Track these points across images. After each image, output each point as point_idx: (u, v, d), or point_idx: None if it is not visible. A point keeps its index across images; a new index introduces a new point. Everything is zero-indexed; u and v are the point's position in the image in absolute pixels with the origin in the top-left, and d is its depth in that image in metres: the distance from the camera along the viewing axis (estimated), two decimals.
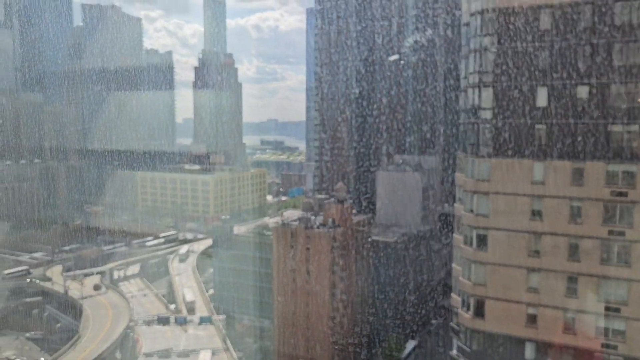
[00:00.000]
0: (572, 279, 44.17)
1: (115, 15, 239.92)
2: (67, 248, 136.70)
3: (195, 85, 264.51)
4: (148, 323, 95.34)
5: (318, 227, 77.91)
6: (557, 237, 44.56)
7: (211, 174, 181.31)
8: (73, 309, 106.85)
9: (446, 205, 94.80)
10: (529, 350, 46.40)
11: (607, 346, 43.13)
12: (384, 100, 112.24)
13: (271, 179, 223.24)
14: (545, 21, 44.05)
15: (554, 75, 44.11)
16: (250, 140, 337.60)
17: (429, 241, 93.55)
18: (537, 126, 45.07)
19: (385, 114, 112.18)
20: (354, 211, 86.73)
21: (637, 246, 41.93)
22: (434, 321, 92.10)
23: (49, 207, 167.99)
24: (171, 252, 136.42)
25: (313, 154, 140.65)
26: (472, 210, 48.26)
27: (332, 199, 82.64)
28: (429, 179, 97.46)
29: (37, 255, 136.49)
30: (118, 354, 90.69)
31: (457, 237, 51.76)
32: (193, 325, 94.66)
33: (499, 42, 45.74)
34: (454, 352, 51.99)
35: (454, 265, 53.57)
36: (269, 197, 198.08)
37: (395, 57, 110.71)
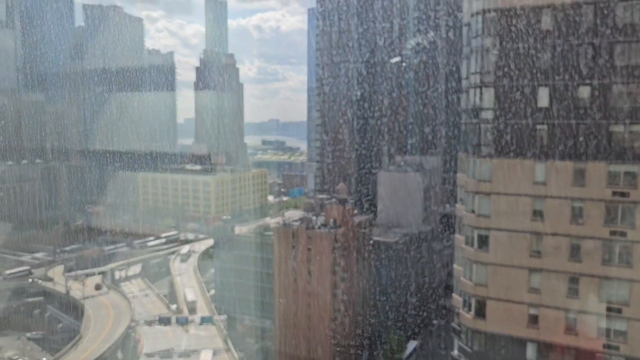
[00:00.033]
0: (574, 279, 44.12)
1: (117, 16, 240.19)
2: (68, 248, 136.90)
3: (196, 86, 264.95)
4: (149, 323, 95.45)
5: (319, 228, 77.97)
6: (558, 237, 44.52)
7: (212, 175, 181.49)
8: (74, 309, 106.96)
9: (447, 205, 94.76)
10: (531, 351, 46.35)
11: (609, 347, 43.08)
12: (386, 101, 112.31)
13: (272, 180, 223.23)
14: (546, 21, 44.02)
15: (556, 75, 44.08)
16: (251, 140, 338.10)
17: (430, 242, 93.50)
18: (538, 126, 45.04)
19: (387, 116, 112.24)
20: (355, 212, 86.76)
21: (638, 247, 41.86)
22: (435, 321, 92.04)
23: (51, 208, 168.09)
24: (172, 253, 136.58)
25: (314, 154, 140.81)
26: (473, 211, 48.25)
27: (334, 200, 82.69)
28: (431, 179, 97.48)
29: (38, 255, 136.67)
30: (119, 354, 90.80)
31: (459, 238, 51.73)
32: (194, 325, 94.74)
33: (500, 42, 45.73)
34: (455, 352, 51.95)
35: (455, 265, 53.55)
36: (270, 198, 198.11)
37: (397, 59, 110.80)
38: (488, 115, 47.08)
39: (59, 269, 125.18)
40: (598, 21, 42.30)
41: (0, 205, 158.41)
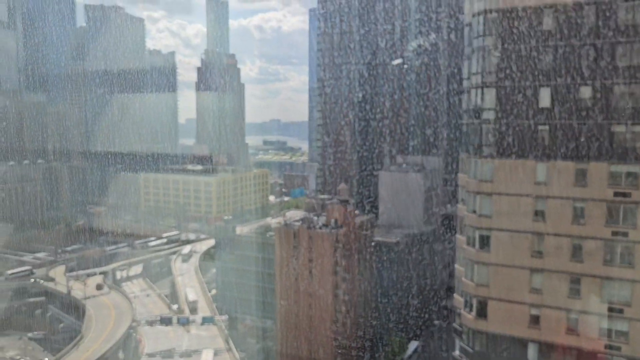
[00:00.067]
0: (575, 279, 44.11)
1: (119, 17, 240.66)
2: (70, 248, 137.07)
3: (198, 86, 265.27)
4: (151, 323, 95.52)
5: (320, 228, 77.99)
6: (560, 237, 44.53)
7: (214, 175, 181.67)
8: (76, 309, 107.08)
9: (449, 206, 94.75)
10: (532, 351, 46.36)
11: (610, 347, 43.07)
12: (387, 103, 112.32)
13: (274, 180, 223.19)
14: (548, 22, 44.04)
15: (557, 75, 44.09)
16: (252, 140, 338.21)
17: (432, 242, 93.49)
18: (540, 127, 45.05)
19: (388, 118, 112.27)
20: (357, 212, 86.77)
21: None
22: (436, 322, 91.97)
23: (52, 208, 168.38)
24: (174, 253, 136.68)
25: (315, 154, 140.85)
26: (474, 211, 48.27)
27: (335, 200, 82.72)
28: (432, 180, 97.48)
29: (40, 255, 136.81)
30: (121, 354, 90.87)
31: (460, 238, 51.75)
32: (195, 325, 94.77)
33: (501, 42, 45.76)
34: (457, 352, 51.98)
35: (456, 266, 53.57)
36: (272, 198, 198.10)
37: (398, 61, 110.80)
38: (489, 115, 47.10)
39: (61, 269, 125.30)
40: (600, 21, 42.32)
41: (2, 205, 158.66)
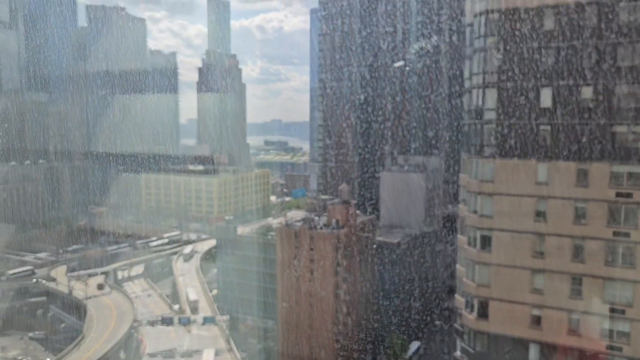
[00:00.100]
0: (577, 280, 44.09)
1: (120, 17, 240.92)
2: (71, 248, 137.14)
3: (199, 87, 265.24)
4: (152, 323, 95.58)
5: (322, 228, 78.03)
6: (561, 238, 44.51)
7: (215, 175, 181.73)
8: (77, 309, 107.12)
9: (450, 206, 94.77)
10: (533, 352, 46.33)
11: (612, 348, 43.02)
12: (389, 105, 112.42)
13: (275, 180, 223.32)
14: (549, 22, 44.05)
15: (559, 76, 44.08)
16: (254, 140, 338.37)
17: (433, 243, 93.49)
18: (541, 127, 45.05)
19: (389, 119, 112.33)
20: (358, 212, 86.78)
21: None
22: (437, 322, 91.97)
23: (54, 208, 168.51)
24: (175, 253, 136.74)
25: (317, 154, 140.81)
26: (476, 211, 48.26)
27: (336, 200, 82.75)
28: (433, 180, 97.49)
29: (41, 255, 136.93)
30: (122, 354, 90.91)
31: (461, 238, 51.72)
32: (197, 325, 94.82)
33: (503, 42, 45.77)
34: (458, 353, 51.96)
35: (457, 266, 53.54)
36: (273, 198, 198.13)
37: (400, 63, 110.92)
38: (491, 115, 47.10)
39: (62, 269, 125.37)
40: (601, 22, 42.31)
41: (3, 205, 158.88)
